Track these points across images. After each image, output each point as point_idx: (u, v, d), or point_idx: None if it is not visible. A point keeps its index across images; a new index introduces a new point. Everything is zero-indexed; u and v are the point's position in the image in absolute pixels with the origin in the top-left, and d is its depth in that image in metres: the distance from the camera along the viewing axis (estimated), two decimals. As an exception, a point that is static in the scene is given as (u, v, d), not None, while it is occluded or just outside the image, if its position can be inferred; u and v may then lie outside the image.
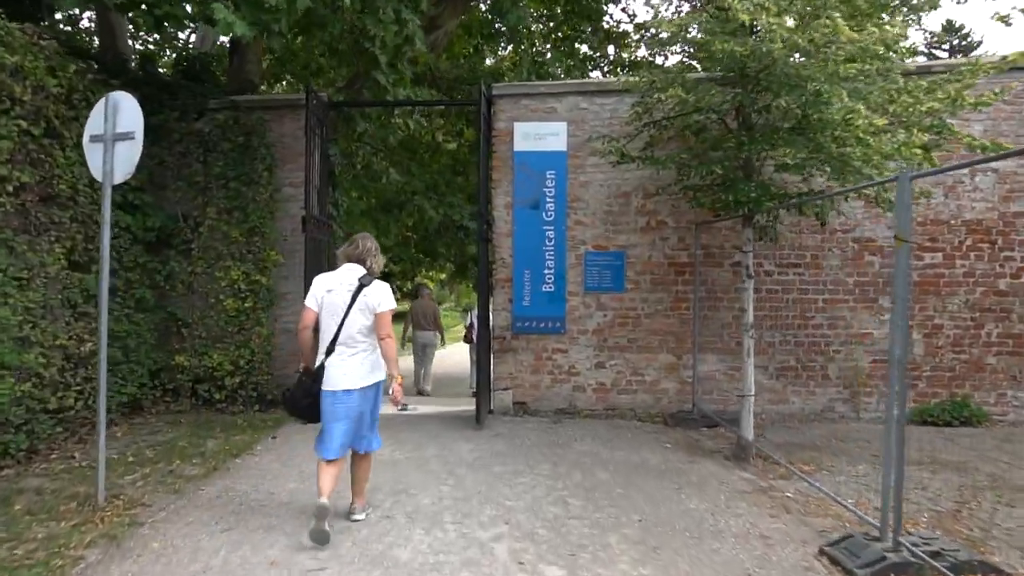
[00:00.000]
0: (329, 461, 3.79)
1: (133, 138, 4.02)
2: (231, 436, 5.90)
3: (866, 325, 6.98)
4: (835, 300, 7.01)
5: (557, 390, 7.13)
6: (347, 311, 3.78)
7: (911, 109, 4.57)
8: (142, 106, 6.71)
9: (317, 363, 3.88)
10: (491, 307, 7.26)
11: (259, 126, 6.91)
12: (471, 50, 13.12)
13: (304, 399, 3.89)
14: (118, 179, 4.08)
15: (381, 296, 3.86)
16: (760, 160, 5.50)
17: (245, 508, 4.19)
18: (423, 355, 11.88)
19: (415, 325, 11.65)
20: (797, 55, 4.59)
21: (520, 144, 7.11)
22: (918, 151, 4.27)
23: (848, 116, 4.25)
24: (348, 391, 3.78)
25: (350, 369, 3.80)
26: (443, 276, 22.10)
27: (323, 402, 3.81)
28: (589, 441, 6.05)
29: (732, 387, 6.97)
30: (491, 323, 7.22)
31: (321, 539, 3.61)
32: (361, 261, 3.96)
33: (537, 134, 7.10)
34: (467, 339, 11.61)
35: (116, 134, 4.02)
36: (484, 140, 6.90)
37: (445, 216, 10.17)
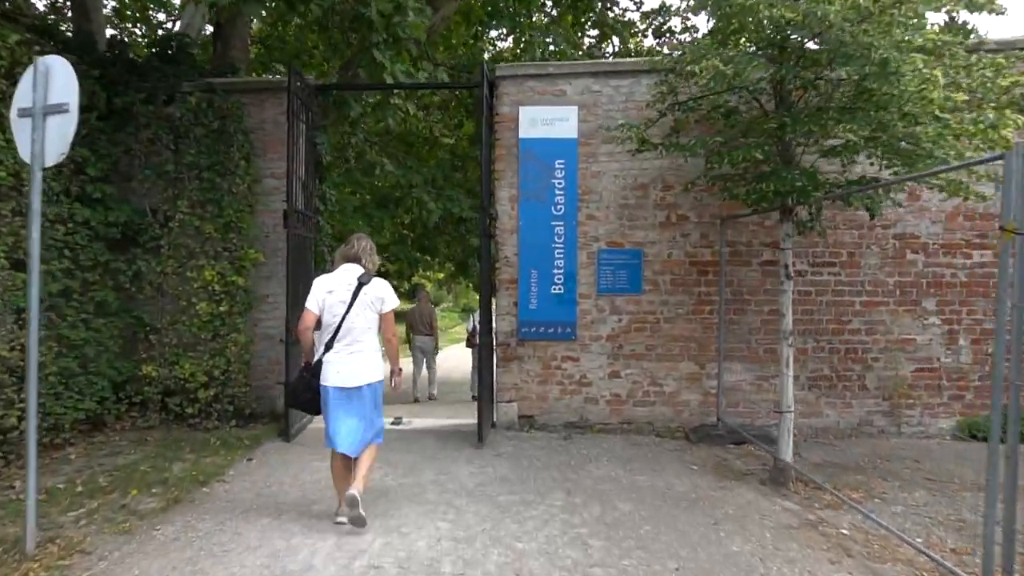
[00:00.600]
0: (342, 454, 3.90)
1: (67, 111, 3.33)
2: (201, 458, 5.22)
3: (908, 330, 6.32)
4: (874, 303, 6.35)
5: (567, 402, 6.46)
6: (347, 309, 3.86)
7: (988, 84, 3.91)
8: (107, 89, 6.14)
9: (316, 358, 3.95)
10: (494, 310, 6.59)
11: (236, 110, 6.20)
12: (470, 39, 12.46)
13: (304, 393, 4.00)
14: (50, 161, 3.39)
15: (383, 294, 3.96)
16: (803, 145, 4.84)
17: (205, 554, 3.50)
18: (422, 360, 11.42)
19: (412, 330, 11.23)
20: (857, 19, 3.91)
21: (526, 130, 6.44)
22: (1009, 130, 3.60)
23: (922, 87, 3.59)
24: (344, 388, 3.86)
25: (345, 367, 3.86)
26: (441, 276, 21.29)
27: (322, 397, 3.90)
28: (605, 462, 5.38)
29: (760, 399, 6.32)
30: (494, 328, 6.54)
31: (359, 523, 3.76)
32: (357, 260, 4.02)
33: (545, 119, 6.43)
34: (470, 344, 10.95)
35: (47, 106, 3.34)
36: (486, 126, 6.23)
37: (445, 210, 9.47)
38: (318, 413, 4.01)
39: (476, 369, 10.89)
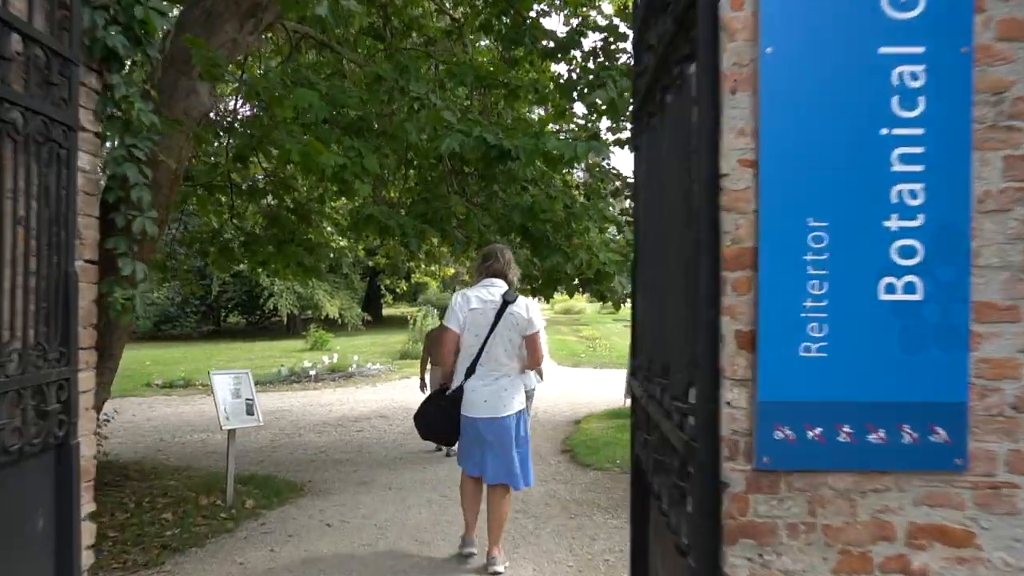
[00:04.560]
0: (475, 478, 3.86)
1: None
2: None
3: None
4: None
5: None
6: (491, 330, 3.70)
7: None
8: None
9: (455, 384, 3.79)
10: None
11: None
12: None
13: (442, 422, 3.82)
14: None
15: (530, 314, 3.75)
16: None
17: None
18: None
19: (434, 358, 7.80)
20: None
21: None
22: None
23: None
24: (489, 419, 3.72)
25: (491, 395, 3.72)
26: (451, 272, 16.24)
27: (462, 428, 3.78)
28: None
29: None
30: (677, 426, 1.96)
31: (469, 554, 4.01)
32: (502, 275, 3.83)
33: None
34: None
35: None
36: None
37: (470, 137, 4.84)
38: (452, 444, 3.89)
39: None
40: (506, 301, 3.68)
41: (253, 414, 5.53)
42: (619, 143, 6.13)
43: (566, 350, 21.65)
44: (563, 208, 5.82)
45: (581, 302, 40.12)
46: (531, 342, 3.75)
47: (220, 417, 5.33)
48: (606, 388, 13.93)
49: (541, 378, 6.65)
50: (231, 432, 5.33)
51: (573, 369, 17.42)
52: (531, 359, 3.83)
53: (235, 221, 8.57)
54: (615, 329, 31.08)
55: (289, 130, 5.11)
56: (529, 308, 3.75)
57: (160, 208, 6.82)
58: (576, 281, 6.80)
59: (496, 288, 3.76)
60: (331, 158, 4.82)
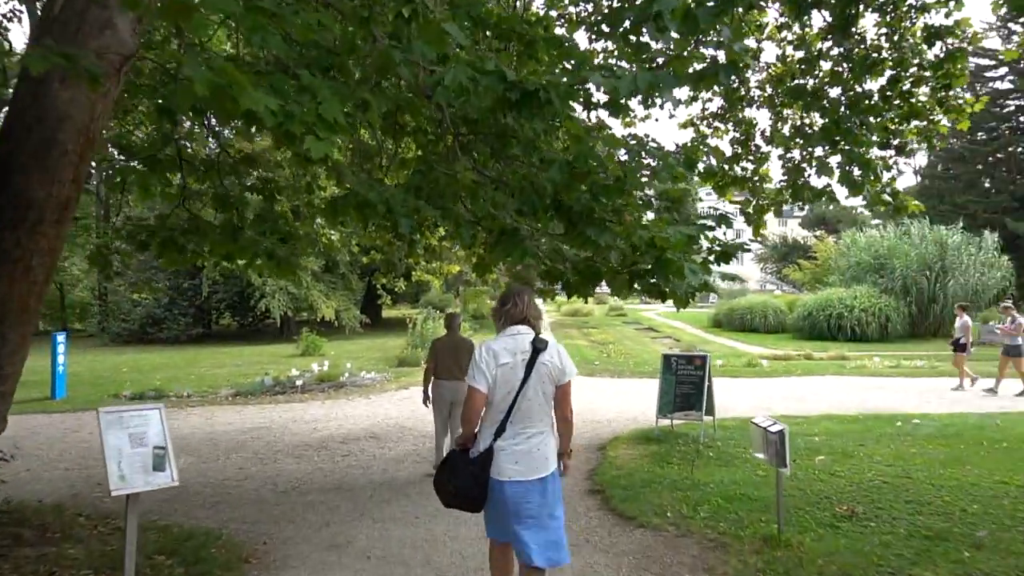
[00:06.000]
0: (505, 544, 3.50)
1: None
2: None
3: None
4: None
5: None
6: (522, 384, 3.33)
7: None
8: None
9: (484, 445, 3.36)
10: None
11: None
12: None
13: (474, 488, 3.34)
14: None
15: (563, 361, 3.45)
16: None
17: None
18: (451, 416, 7.12)
19: (438, 371, 7.24)
20: None
21: None
22: None
23: None
24: (521, 483, 3.32)
25: (524, 455, 3.36)
26: (456, 269, 14.36)
27: (492, 493, 3.34)
28: None
29: None
30: None
31: None
32: (527, 322, 3.49)
33: None
34: None
35: None
36: None
37: (486, 78, 3.23)
38: (479, 510, 3.43)
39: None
40: (536, 349, 3.34)
41: (165, 469, 3.84)
42: (691, 81, 4.47)
43: (579, 356, 19.94)
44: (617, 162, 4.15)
45: (588, 302, 38.35)
46: (564, 393, 3.44)
47: (111, 476, 3.64)
48: (629, 401, 12.27)
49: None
50: (130, 498, 3.65)
51: (589, 379, 15.71)
52: (561, 411, 3.47)
53: (186, 205, 6.93)
54: (627, 333, 29.38)
55: (205, 60, 3.44)
56: (561, 355, 3.45)
57: (66, 182, 5.21)
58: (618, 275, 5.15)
59: (523, 336, 3.41)
60: (262, 99, 3.10)
